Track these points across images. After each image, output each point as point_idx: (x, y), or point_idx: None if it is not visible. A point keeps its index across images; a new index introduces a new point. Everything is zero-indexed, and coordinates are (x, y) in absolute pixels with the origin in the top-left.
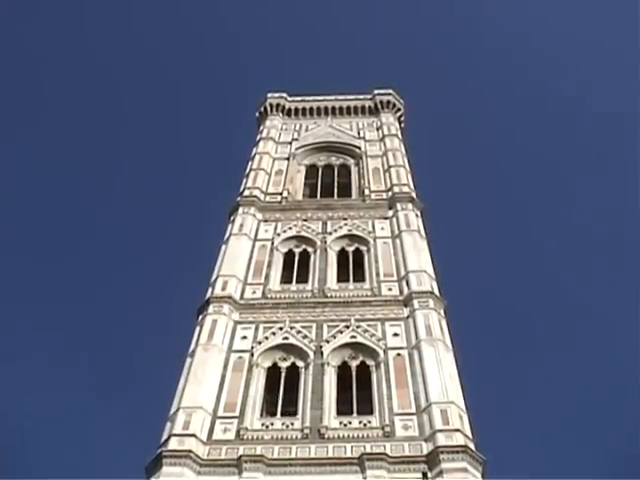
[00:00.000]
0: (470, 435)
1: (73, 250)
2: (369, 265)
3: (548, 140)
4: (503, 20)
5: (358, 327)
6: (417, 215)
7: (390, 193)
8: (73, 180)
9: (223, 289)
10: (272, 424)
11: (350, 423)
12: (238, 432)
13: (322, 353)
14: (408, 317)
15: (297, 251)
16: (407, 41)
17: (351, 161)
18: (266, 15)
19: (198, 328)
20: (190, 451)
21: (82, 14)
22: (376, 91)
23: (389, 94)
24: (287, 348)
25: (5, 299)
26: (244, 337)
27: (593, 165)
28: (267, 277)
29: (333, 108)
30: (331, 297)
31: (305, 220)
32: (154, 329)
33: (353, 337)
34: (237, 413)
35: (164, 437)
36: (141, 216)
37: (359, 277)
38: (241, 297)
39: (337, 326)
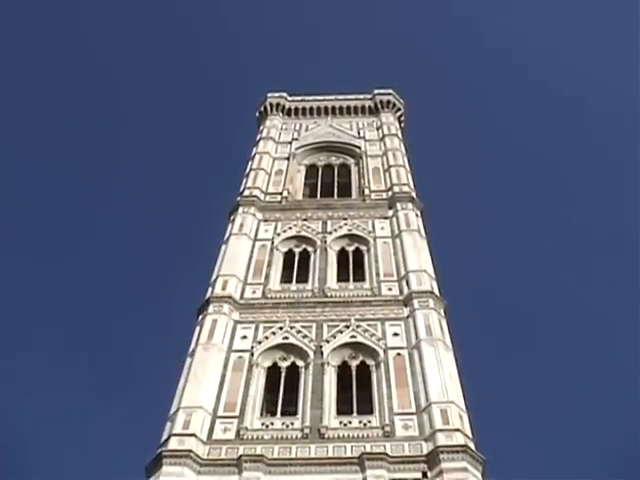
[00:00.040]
0: (470, 435)
1: (73, 250)
2: (369, 265)
3: (548, 140)
4: (503, 20)
5: (358, 327)
6: (417, 215)
7: (390, 193)
8: (73, 180)
9: (223, 289)
10: (272, 424)
11: (350, 423)
12: (238, 432)
13: (322, 353)
14: (408, 317)
15: (297, 251)
16: (407, 41)
17: (351, 161)
18: (266, 15)
19: (198, 328)
20: (190, 451)
21: (82, 14)
22: (376, 91)
23: (389, 94)
24: (287, 348)
25: (5, 299)
26: (244, 337)
27: (593, 165)
28: (267, 277)
29: (333, 108)
30: (331, 297)
31: (305, 220)
32: (154, 329)
33: (353, 337)
34: (237, 413)
35: (164, 437)
36: (141, 216)
37: (359, 277)
38: (241, 297)
39: (337, 326)
